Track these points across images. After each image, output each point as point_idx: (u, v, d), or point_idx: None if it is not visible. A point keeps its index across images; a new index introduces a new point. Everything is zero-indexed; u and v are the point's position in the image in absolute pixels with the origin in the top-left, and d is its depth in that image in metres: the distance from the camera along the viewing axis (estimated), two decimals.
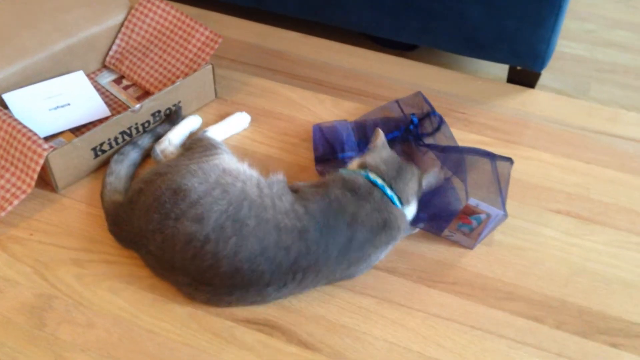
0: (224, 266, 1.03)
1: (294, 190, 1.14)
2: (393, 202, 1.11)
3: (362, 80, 1.49)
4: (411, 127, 1.31)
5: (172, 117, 1.35)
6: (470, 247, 1.18)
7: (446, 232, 1.17)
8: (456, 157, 1.24)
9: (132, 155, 1.28)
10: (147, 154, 1.30)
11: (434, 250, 1.18)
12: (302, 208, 1.08)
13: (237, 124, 1.37)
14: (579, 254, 1.18)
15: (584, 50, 1.74)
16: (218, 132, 1.33)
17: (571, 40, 1.76)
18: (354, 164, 1.18)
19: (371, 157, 1.16)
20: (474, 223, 1.14)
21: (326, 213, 1.08)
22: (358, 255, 1.08)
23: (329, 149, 1.30)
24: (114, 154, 1.27)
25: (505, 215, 1.15)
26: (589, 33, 1.80)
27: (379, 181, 1.12)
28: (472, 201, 1.11)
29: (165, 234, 1.05)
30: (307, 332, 1.06)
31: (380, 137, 1.20)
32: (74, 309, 1.07)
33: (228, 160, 1.17)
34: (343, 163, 1.24)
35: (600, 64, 1.69)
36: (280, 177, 1.15)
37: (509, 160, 1.22)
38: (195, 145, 1.23)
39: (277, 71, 1.54)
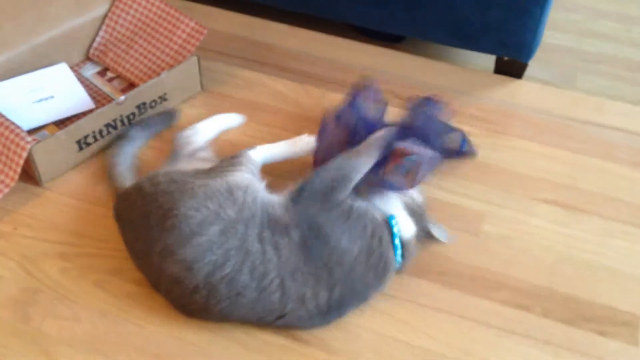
0: (215, 314, 0.99)
1: (298, 193, 1.04)
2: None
3: (350, 72, 1.48)
4: None
5: (164, 115, 1.33)
6: (408, 187, 1.09)
7: (382, 177, 1.08)
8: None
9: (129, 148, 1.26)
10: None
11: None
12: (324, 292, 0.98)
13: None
14: (565, 243, 1.19)
15: (571, 40, 1.74)
16: (268, 152, 1.18)
17: (558, 31, 1.77)
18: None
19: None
20: (407, 164, 1.08)
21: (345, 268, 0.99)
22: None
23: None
24: (99, 146, 1.26)
25: (440, 157, 1.13)
26: (575, 24, 1.81)
27: (397, 242, 1.05)
28: (400, 144, 1.09)
29: (148, 261, 1.01)
30: None
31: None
32: (59, 303, 1.06)
33: (241, 181, 1.04)
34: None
35: (587, 55, 1.70)
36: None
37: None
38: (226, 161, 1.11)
39: (264, 63, 1.53)
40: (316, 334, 1.04)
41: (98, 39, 1.47)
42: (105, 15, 1.46)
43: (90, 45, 1.47)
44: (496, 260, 1.16)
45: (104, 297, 1.07)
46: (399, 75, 1.51)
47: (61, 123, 1.33)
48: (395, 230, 1.05)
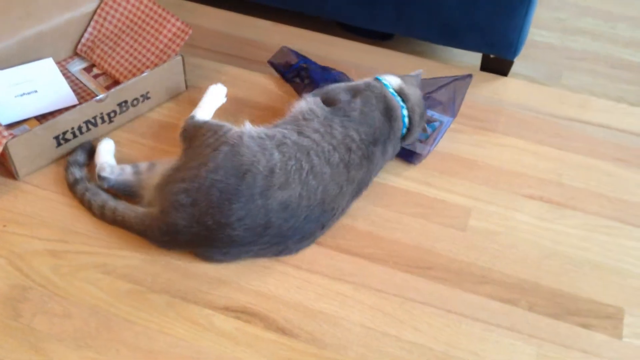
0: (316, 212, 1.11)
1: (326, 99, 1.23)
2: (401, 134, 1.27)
3: (338, 69, 1.49)
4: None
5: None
6: (424, 153, 1.33)
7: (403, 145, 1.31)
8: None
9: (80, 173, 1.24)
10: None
11: (410, 237, 1.19)
12: (356, 134, 1.17)
13: (217, 97, 1.33)
14: (550, 238, 1.21)
15: (556, 38, 1.76)
16: (205, 113, 1.27)
17: (543, 28, 1.78)
18: (391, 79, 1.30)
19: (409, 90, 1.28)
20: (429, 130, 1.35)
21: (371, 135, 1.19)
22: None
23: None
24: (78, 142, 1.27)
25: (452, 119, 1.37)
26: (560, 21, 1.83)
27: (406, 120, 1.25)
28: (428, 112, 1.34)
29: (253, 215, 1.07)
30: (285, 318, 1.06)
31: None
32: (49, 300, 1.06)
33: (246, 130, 1.16)
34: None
35: (571, 52, 1.72)
36: (302, 107, 1.22)
37: (469, 76, 1.40)
38: (198, 133, 1.16)
39: (251, 60, 1.53)
40: (306, 328, 1.05)
41: (86, 35, 1.47)
42: (94, 12, 1.46)
43: (78, 41, 1.47)
44: (482, 255, 1.17)
45: (95, 293, 1.08)
46: (386, 72, 1.52)
47: (43, 118, 1.33)
48: (385, 82, 1.28)
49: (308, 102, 1.23)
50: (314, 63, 1.48)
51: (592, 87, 1.60)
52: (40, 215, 1.18)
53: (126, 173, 1.20)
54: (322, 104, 1.23)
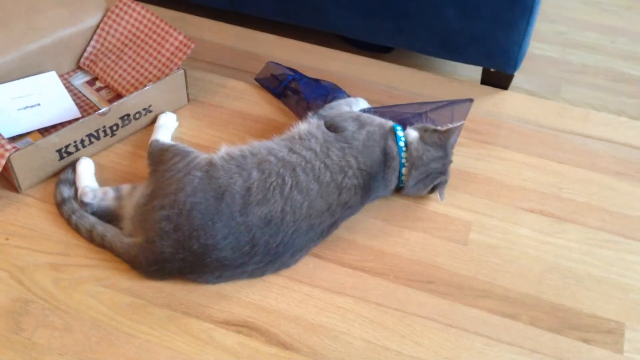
0: (303, 227, 1.11)
1: (330, 125, 1.23)
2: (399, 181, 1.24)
3: (338, 82, 1.49)
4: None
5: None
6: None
7: None
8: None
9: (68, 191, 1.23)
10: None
11: (410, 250, 1.19)
12: (354, 161, 1.17)
13: (169, 124, 1.36)
14: (551, 252, 1.21)
15: (555, 52, 1.77)
16: (166, 137, 1.31)
17: (543, 42, 1.79)
18: (410, 132, 1.25)
19: (420, 150, 1.23)
20: None
21: (369, 166, 1.19)
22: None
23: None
24: (80, 156, 1.28)
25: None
26: (559, 35, 1.83)
27: (403, 171, 1.22)
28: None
29: (236, 232, 1.08)
30: (286, 332, 1.06)
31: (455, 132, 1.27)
32: (51, 313, 1.07)
33: (219, 155, 1.18)
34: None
35: (571, 65, 1.73)
36: (301, 128, 1.22)
37: (469, 100, 1.36)
38: (164, 156, 1.18)
39: (254, 73, 1.54)
40: (306, 342, 1.05)
41: (89, 49, 1.48)
42: (97, 26, 1.47)
43: (81, 55, 1.48)
44: (483, 269, 1.17)
45: (96, 307, 1.08)
46: (387, 85, 1.53)
47: (46, 131, 1.33)
48: (399, 134, 1.24)
49: (310, 125, 1.24)
50: (304, 75, 1.48)
51: (593, 101, 1.61)
52: (42, 229, 1.19)
53: (108, 198, 1.20)
54: (324, 128, 1.23)
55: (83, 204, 1.19)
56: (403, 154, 1.21)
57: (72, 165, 1.27)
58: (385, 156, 1.20)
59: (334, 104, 1.32)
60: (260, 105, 1.46)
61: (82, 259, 1.14)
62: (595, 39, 1.82)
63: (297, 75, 1.47)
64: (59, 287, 1.10)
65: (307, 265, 1.16)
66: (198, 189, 1.10)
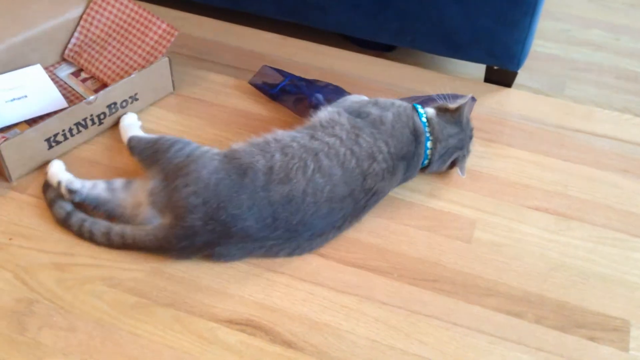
0: (324, 210, 1.13)
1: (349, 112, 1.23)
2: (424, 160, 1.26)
3: (341, 81, 1.50)
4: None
5: None
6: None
7: None
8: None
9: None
10: None
11: (415, 249, 1.19)
12: (384, 146, 1.19)
13: (135, 122, 1.35)
14: (557, 250, 1.20)
15: (559, 49, 1.76)
16: (140, 133, 1.30)
17: (546, 40, 1.79)
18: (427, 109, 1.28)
19: (439, 124, 1.26)
20: None
21: (399, 149, 1.20)
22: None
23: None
24: (69, 145, 1.30)
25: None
26: (563, 33, 1.83)
27: (428, 152, 1.25)
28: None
29: (259, 205, 1.11)
30: (290, 331, 1.06)
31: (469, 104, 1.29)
32: (55, 313, 1.07)
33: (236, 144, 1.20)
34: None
35: (575, 63, 1.72)
36: (321, 116, 1.23)
37: (472, 99, 1.35)
38: (158, 147, 1.20)
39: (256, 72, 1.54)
40: (311, 341, 1.05)
41: (73, 40, 1.49)
42: (80, 17, 1.48)
43: (65, 46, 1.49)
44: (488, 267, 1.17)
45: (100, 306, 1.08)
46: (389, 84, 1.53)
47: (33, 122, 1.34)
48: (420, 111, 1.26)
49: (330, 112, 1.24)
50: (300, 78, 1.46)
51: (597, 98, 1.60)
52: (45, 228, 1.19)
53: (99, 188, 1.18)
54: (348, 115, 1.23)
55: (70, 192, 1.18)
56: (427, 129, 1.24)
57: (50, 186, 1.23)
58: (416, 134, 1.22)
59: (342, 99, 1.32)
60: (261, 103, 1.46)
61: (86, 259, 1.14)
62: (600, 37, 1.82)
63: (294, 78, 1.46)
64: (63, 287, 1.10)
65: (310, 264, 1.16)
66: (220, 168, 1.14)
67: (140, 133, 1.30)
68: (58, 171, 1.22)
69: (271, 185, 1.12)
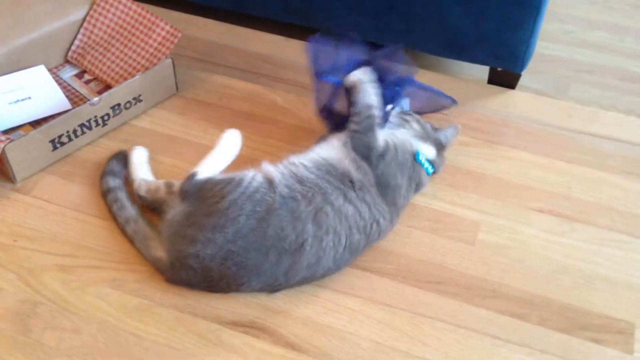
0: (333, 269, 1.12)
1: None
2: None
3: None
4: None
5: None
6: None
7: None
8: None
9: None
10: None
11: (418, 251, 1.19)
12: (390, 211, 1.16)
13: (229, 147, 1.20)
14: (560, 252, 1.20)
15: (563, 51, 1.76)
16: (211, 168, 1.15)
17: (550, 41, 1.78)
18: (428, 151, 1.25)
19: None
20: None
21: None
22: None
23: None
24: (73, 146, 1.30)
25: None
26: (567, 34, 1.82)
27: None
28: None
29: (271, 282, 1.07)
30: (294, 333, 1.06)
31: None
32: (59, 315, 1.07)
33: (275, 185, 1.10)
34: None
35: (579, 65, 1.72)
36: (346, 166, 1.15)
37: (453, 100, 1.32)
38: (207, 191, 1.09)
39: (261, 74, 1.54)
40: (314, 343, 1.05)
41: (76, 42, 1.50)
42: (84, 19, 1.49)
43: (68, 48, 1.50)
44: (492, 269, 1.17)
45: (104, 308, 1.08)
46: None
47: (37, 124, 1.35)
48: (422, 160, 1.22)
49: (358, 168, 1.15)
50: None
51: (601, 100, 1.60)
52: (50, 230, 1.19)
53: (161, 192, 1.17)
54: (373, 180, 1.15)
55: (139, 197, 1.20)
56: (430, 171, 1.25)
57: (116, 156, 1.27)
58: (416, 185, 1.23)
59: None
60: (266, 106, 1.46)
61: (90, 261, 1.14)
62: (604, 38, 1.81)
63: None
64: (67, 288, 1.10)
65: None
66: (240, 235, 1.03)
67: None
68: (137, 165, 1.24)
69: (295, 267, 1.06)
